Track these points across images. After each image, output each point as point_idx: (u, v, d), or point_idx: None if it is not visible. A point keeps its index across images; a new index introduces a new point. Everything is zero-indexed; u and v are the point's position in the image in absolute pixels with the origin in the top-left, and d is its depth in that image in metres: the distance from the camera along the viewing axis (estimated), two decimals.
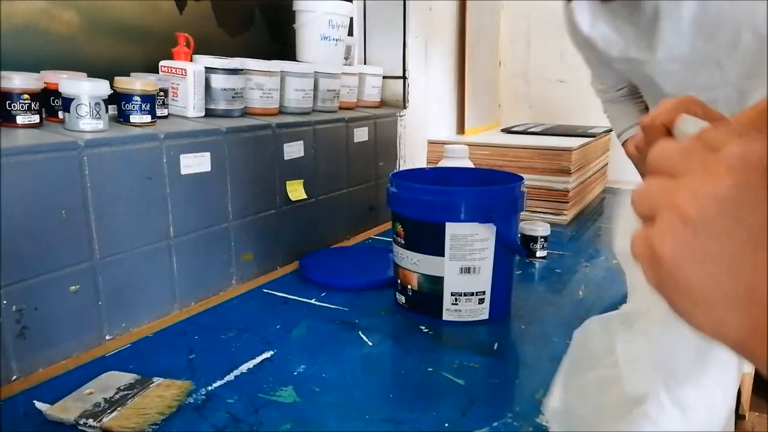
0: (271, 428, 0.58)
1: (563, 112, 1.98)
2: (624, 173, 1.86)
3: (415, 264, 0.81)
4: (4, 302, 0.65)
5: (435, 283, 0.81)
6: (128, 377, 0.65)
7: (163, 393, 0.62)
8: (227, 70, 0.97)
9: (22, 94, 0.72)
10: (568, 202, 1.37)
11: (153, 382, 0.64)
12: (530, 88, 2.06)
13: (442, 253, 0.79)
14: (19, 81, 0.71)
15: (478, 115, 1.83)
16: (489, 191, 0.82)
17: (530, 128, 1.76)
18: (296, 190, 1.07)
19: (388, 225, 1.37)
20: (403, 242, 0.82)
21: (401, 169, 1.42)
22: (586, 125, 1.87)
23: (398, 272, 0.85)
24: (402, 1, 1.39)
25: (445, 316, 0.81)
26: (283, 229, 1.06)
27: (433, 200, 0.79)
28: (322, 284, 0.96)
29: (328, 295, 0.93)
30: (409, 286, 0.83)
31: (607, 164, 1.85)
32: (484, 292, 0.80)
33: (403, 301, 0.85)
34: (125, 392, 0.62)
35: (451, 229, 0.78)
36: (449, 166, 1.07)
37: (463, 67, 1.69)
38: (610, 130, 1.88)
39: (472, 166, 1.19)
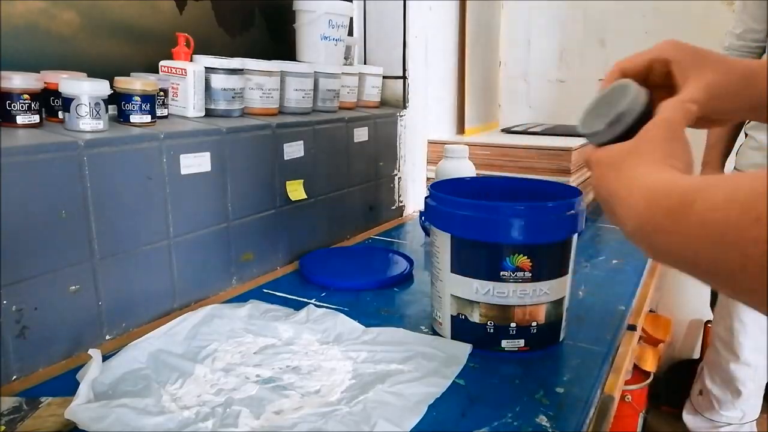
0: None
1: (563, 112, 1.98)
2: None
3: (546, 294, 0.71)
4: (4, 302, 0.65)
5: (558, 307, 0.74)
6: (11, 401, 0.61)
7: (57, 411, 0.59)
8: (227, 70, 0.97)
9: (22, 94, 0.72)
10: None
11: (42, 402, 0.61)
12: (530, 88, 2.06)
13: (566, 271, 0.73)
14: (19, 81, 0.71)
15: (478, 115, 1.83)
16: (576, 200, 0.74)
17: (530, 128, 1.76)
18: (296, 190, 1.07)
19: (387, 225, 1.38)
20: (529, 275, 0.70)
21: (401, 167, 1.43)
22: None
23: (513, 316, 0.71)
24: (402, 1, 1.39)
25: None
26: (283, 229, 1.06)
27: (564, 217, 0.71)
28: (322, 284, 0.96)
29: (328, 295, 0.93)
30: (535, 323, 0.72)
31: None
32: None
33: (522, 345, 0.73)
34: (12, 416, 0.58)
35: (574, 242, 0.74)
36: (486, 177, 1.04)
37: (463, 67, 1.69)
38: None
39: (472, 166, 1.20)
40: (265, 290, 0.95)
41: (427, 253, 1.05)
